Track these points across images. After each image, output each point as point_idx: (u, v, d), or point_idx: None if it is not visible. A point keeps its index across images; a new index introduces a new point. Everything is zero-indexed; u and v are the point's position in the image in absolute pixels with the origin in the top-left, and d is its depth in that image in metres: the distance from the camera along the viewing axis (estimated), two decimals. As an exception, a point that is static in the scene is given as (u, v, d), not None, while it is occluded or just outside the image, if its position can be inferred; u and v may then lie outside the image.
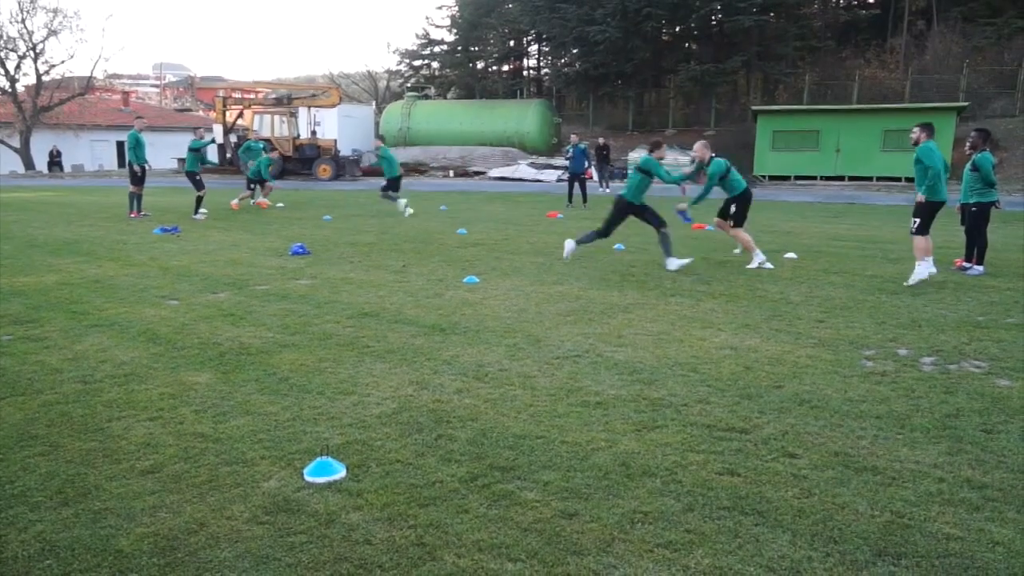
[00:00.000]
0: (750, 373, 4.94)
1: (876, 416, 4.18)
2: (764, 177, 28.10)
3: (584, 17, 33.56)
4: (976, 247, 8.93)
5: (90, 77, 39.08)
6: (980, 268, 8.84)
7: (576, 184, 18.30)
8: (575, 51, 37.23)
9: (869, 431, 3.97)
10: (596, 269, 9.02)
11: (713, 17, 33.86)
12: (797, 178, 27.24)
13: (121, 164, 15.44)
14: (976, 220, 8.87)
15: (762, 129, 27.92)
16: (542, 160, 32.07)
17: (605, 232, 9.22)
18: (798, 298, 7.33)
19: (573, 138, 19.07)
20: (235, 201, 17.07)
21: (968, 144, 8.97)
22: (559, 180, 28.09)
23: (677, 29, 36.56)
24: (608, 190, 23.67)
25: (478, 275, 8.45)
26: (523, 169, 30.47)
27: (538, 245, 11.12)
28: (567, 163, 19.28)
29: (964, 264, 8.95)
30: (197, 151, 15.36)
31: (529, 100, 38.86)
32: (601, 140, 25.21)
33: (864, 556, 2.80)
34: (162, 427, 4.01)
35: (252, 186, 17.54)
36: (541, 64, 46.01)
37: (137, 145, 14.57)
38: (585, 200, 18.15)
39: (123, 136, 15.25)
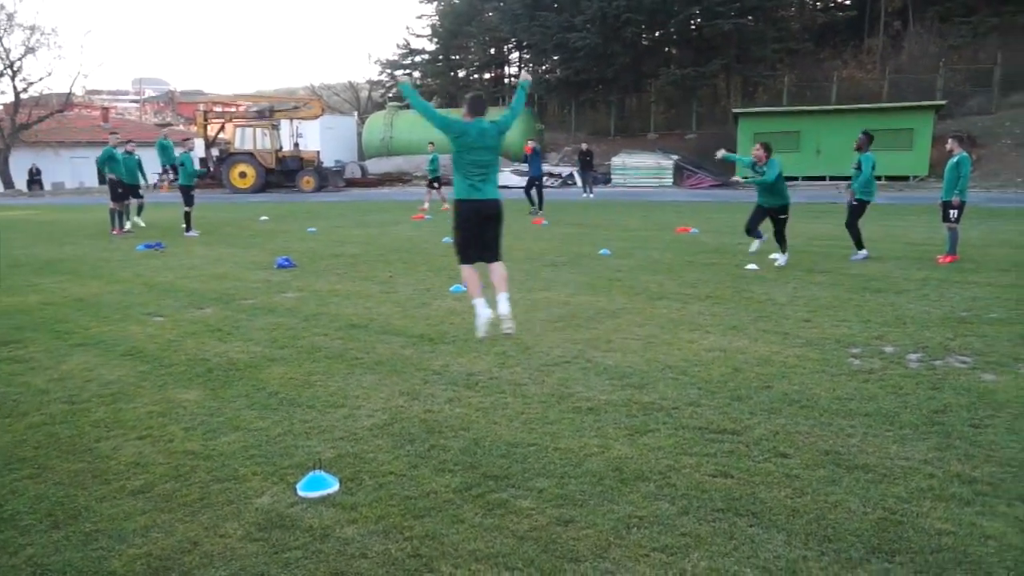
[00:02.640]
0: (739, 374, 4.97)
1: (865, 414, 4.22)
2: (746, 178, 28.29)
3: (564, 24, 33.72)
4: (853, 238, 9.87)
5: (69, 94, 38.75)
6: (864, 252, 9.75)
7: (533, 189, 18.40)
8: (556, 58, 37.34)
9: (859, 429, 4.00)
10: (583, 275, 9.04)
11: (692, 22, 34.11)
12: (779, 179, 27.41)
13: (101, 181, 15.29)
14: (853, 214, 9.91)
15: (743, 131, 28.11)
16: (526, 167, 32.09)
17: None
18: (784, 299, 7.38)
19: (529, 144, 19.21)
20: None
21: (855, 144, 10.00)
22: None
23: (656, 34, 36.76)
24: (592, 195, 23.76)
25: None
26: (507, 177, 30.50)
27: (524, 252, 11.14)
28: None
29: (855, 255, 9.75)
30: (184, 165, 15.06)
31: (511, 108, 38.86)
32: (584, 146, 25.29)
33: (858, 554, 2.82)
34: (151, 446, 3.97)
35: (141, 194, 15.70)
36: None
37: (111, 160, 14.47)
38: (532, 204, 18.21)
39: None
